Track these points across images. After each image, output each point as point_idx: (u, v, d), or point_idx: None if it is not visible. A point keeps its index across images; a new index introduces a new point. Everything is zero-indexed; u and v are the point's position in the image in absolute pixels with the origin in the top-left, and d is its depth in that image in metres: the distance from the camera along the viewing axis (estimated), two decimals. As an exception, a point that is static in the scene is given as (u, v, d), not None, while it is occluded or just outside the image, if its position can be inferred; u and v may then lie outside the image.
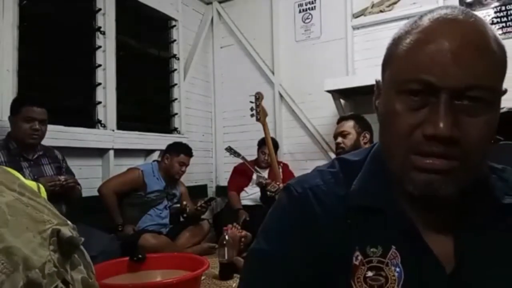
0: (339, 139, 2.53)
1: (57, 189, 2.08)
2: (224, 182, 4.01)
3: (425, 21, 0.53)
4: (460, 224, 0.57)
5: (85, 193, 2.47)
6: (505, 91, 0.54)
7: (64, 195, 2.17)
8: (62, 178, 2.14)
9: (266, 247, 0.61)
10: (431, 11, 0.54)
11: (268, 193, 2.89)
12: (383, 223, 0.58)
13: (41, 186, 0.61)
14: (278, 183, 2.89)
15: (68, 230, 0.46)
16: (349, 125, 2.46)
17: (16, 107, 2.13)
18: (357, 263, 0.57)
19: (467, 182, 0.53)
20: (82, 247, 0.48)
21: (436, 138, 0.49)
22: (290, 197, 0.62)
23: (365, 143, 2.35)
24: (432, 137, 0.50)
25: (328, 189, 0.61)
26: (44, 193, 0.58)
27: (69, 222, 0.49)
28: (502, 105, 0.56)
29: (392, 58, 0.56)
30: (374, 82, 0.62)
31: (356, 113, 2.76)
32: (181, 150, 3.02)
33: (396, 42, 0.56)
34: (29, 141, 2.13)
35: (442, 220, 0.58)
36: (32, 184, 0.54)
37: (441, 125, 0.49)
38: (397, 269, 0.56)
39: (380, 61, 0.61)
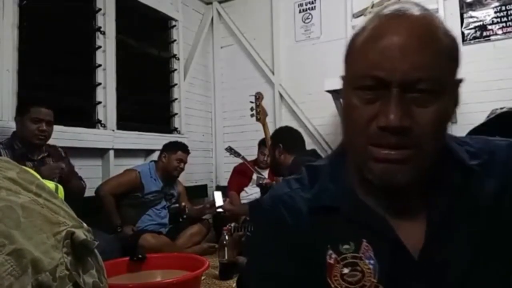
0: None
1: (57, 176, 2.07)
2: (224, 182, 4.01)
3: (378, 18, 0.56)
4: (429, 204, 0.58)
5: (85, 193, 2.46)
6: (460, 80, 0.57)
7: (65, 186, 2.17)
8: (63, 165, 2.17)
9: (250, 262, 0.70)
10: (384, 7, 0.56)
11: None
12: (349, 220, 0.59)
13: (59, 186, 0.61)
14: None
15: (82, 232, 0.46)
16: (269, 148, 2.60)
17: (24, 108, 2.15)
18: (331, 261, 0.59)
19: (423, 168, 0.55)
20: (96, 250, 0.48)
21: (388, 129, 0.52)
22: (263, 212, 0.67)
23: (280, 155, 2.43)
24: (384, 128, 0.52)
25: (295, 195, 0.64)
26: (62, 194, 0.59)
27: (84, 224, 0.49)
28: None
29: (349, 55, 0.59)
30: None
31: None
32: (178, 147, 3.02)
33: (353, 39, 0.58)
34: (36, 141, 2.16)
35: (410, 206, 0.59)
36: (50, 184, 0.54)
37: (392, 116, 0.51)
38: (371, 261, 0.57)
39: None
